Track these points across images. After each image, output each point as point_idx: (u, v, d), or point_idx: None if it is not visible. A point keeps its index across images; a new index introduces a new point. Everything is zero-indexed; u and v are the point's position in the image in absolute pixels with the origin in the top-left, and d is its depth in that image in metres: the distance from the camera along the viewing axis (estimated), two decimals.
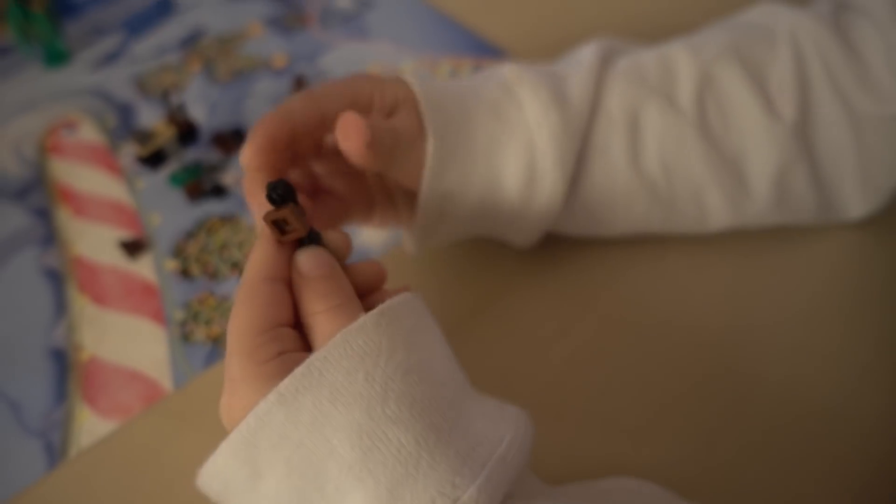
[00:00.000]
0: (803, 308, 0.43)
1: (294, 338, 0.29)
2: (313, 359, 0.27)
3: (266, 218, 0.30)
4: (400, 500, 0.26)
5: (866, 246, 0.45)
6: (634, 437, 0.38)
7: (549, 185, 0.39)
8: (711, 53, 0.42)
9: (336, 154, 0.37)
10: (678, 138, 0.41)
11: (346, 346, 0.27)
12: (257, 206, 0.34)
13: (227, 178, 0.51)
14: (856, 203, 0.43)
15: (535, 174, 0.39)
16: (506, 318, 0.43)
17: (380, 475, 0.26)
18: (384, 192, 0.41)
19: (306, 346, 0.29)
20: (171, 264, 0.47)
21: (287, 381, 0.27)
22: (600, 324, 0.43)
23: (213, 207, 0.49)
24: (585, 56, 0.43)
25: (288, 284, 0.30)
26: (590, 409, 0.39)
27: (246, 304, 0.29)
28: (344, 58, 0.59)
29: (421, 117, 0.38)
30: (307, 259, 0.30)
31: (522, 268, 0.45)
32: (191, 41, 0.61)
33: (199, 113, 0.55)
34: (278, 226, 0.30)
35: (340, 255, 0.32)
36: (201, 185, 0.50)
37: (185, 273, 0.46)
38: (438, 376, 0.29)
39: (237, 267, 0.46)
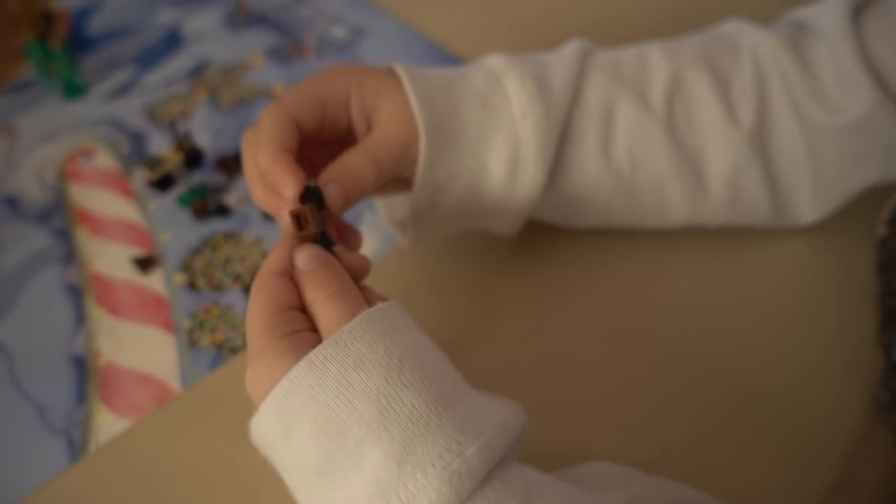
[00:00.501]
0: (756, 307, 0.46)
1: (304, 319, 0.33)
2: (341, 332, 0.31)
3: (291, 212, 0.35)
4: (412, 454, 0.29)
5: (816, 251, 0.48)
6: (598, 426, 0.42)
7: (530, 173, 0.42)
8: (684, 57, 0.45)
9: (323, 146, 0.41)
10: (647, 133, 0.44)
11: (369, 322, 0.32)
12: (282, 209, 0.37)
13: (231, 199, 0.55)
14: (807, 209, 0.47)
15: (518, 164, 0.42)
16: (482, 319, 0.47)
17: (395, 432, 0.30)
18: None
19: (316, 328, 0.33)
20: (180, 278, 0.51)
21: (317, 350, 0.31)
22: (569, 322, 0.46)
23: (217, 225, 0.54)
24: (568, 48, 0.46)
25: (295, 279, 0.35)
26: (557, 401, 0.43)
27: (259, 291, 0.34)
28: None
29: (411, 113, 0.40)
30: (302, 255, 0.35)
31: (500, 269, 0.49)
32: (197, 72, 0.66)
33: (204, 139, 0.60)
34: (298, 221, 0.35)
35: (357, 275, 0.36)
36: (207, 205, 0.54)
37: (192, 286, 0.50)
38: (443, 358, 0.33)
39: (239, 279, 0.50)
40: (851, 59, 0.43)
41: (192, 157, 0.57)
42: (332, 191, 0.37)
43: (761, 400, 0.42)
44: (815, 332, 0.45)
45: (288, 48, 0.68)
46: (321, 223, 0.35)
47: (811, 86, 0.44)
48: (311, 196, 0.36)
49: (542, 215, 0.47)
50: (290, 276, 0.35)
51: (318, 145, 0.41)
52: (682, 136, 0.44)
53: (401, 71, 0.42)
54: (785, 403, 0.42)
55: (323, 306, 0.33)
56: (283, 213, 0.36)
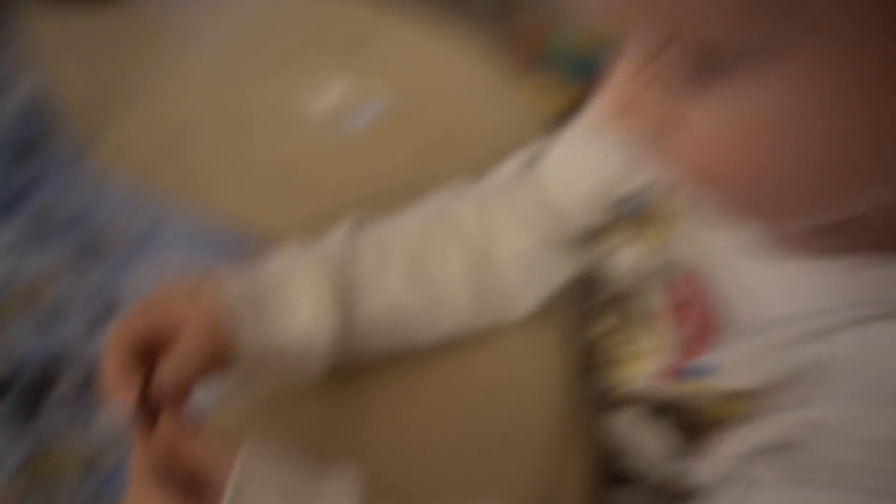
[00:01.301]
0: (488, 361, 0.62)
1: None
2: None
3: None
4: None
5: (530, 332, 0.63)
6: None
7: (323, 342, 0.54)
8: (415, 232, 0.60)
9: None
10: (398, 303, 0.58)
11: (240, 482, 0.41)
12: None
13: None
14: (523, 308, 0.62)
15: (312, 336, 0.54)
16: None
17: None
18: None
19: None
20: None
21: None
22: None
23: None
24: (340, 229, 0.59)
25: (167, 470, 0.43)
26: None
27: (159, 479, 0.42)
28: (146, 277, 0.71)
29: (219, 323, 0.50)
30: (167, 420, 0.45)
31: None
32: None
33: None
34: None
35: None
36: None
37: None
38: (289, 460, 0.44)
39: None
40: (527, 197, 0.61)
41: None
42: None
43: (488, 430, 0.57)
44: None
45: (90, 251, 0.74)
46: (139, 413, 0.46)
47: (508, 224, 0.61)
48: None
49: (370, 352, 0.59)
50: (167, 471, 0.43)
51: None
52: (428, 289, 0.58)
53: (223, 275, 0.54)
54: (507, 429, 0.57)
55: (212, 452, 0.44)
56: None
